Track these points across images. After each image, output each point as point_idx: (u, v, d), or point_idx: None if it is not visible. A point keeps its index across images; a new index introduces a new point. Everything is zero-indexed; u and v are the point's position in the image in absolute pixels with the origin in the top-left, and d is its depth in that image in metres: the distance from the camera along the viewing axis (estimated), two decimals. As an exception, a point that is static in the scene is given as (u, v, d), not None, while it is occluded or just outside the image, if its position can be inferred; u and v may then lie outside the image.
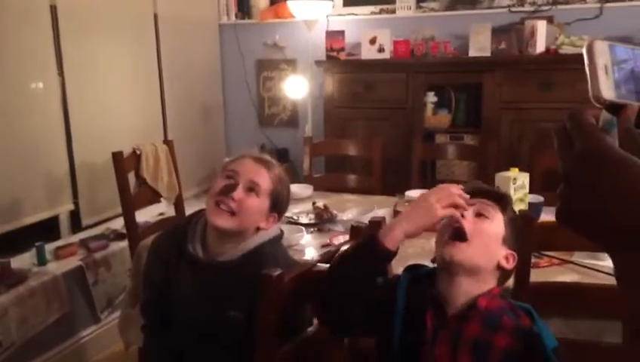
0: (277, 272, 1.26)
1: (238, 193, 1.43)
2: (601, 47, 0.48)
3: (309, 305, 1.43)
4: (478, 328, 1.12)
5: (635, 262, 0.45)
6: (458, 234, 1.18)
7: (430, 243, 2.01)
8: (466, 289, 1.17)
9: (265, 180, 1.47)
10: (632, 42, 0.53)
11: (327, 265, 1.27)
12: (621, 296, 0.46)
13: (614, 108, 0.48)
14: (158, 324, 1.55)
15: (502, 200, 1.24)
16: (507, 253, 1.21)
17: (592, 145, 0.46)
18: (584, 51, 0.49)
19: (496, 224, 1.21)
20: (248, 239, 1.48)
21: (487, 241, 1.19)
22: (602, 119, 0.48)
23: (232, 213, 1.42)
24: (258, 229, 1.50)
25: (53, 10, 2.86)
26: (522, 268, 1.57)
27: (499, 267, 1.21)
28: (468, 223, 1.19)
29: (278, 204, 1.52)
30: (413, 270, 1.29)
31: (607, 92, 0.47)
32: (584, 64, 0.48)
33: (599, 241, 0.47)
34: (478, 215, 1.21)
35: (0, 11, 2.60)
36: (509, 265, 1.22)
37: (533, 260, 1.65)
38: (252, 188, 1.45)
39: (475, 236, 1.18)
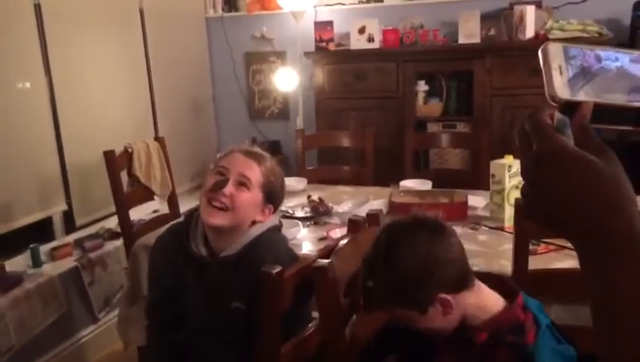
0: (276, 269, 1.25)
1: (229, 188, 1.44)
2: (556, 49, 0.50)
3: (310, 300, 1.43)
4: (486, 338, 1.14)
5: (590, 256, 0.47)
6: None
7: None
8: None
9: (255, 173, 1.48)
10: (589, 42, 0.55)
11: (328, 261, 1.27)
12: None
13: (570, 106, 0.49)
14: (164, 324, 1.55)
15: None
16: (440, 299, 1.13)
17: (546, 145, 0.48)
18: (539, 53, 0.50)
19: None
20: (246, 232, 1.49)
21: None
22: (556, 119, 0.50)
23: (225, 209, 1.43)
24: (254, 222, 1.50)
25: (38, 8, 2.81)
26: (520, 256, 1.58)
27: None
28: None
29: (272, 196, 1.52)
30: None
31: (562, 91, 0.49)
32: (540, 65, 0.50)
33: (562, 235, 0.50)
34: None
35: (-17, 11, 2.56)
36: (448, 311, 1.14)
37: (530, 247, 1.66)
38: (243, 183, 1.46)
39: None
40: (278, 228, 1.57)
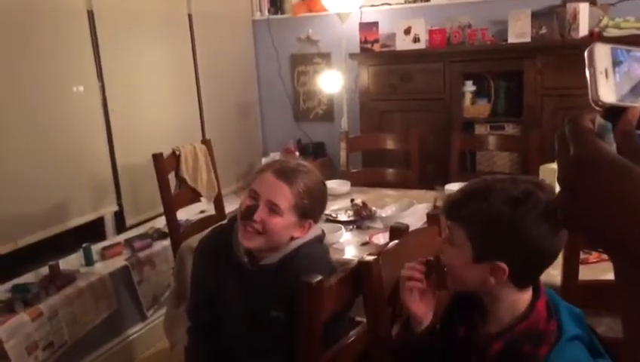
0: (316, 279, 1.25)
1: (259, 214, 1.43)
2: (602, 51, 0.48)
3: (350, 308, 1.42)
4: (501, 348, 1.11)
5: (625, 268, 0.45)
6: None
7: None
8: (495, 314, 1.14)
9: (285, 198, 1.44)
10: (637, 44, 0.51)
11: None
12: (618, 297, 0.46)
13: (614, 112, 0.47)
14: (205, 327, 1.57)
15: (456, 217, 1.12)
16: (491, 267, 1.08)
17: (585, 150, 0.46)
18: (585, 54, 0.48)
19: (458, 250, 1.12)
20: (287, 244, 1.49)
21: (457, 271, 1.14)
22: (597, 124, 0.47)
23: (259, 233, 1.44)
24: (293, 238, 1.49)
25: (90, 15, 2.91)
26: (571, 265, 1.52)
27: (490, 287, 1.11)
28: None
29: (309, 214, 1.49)
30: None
31: (607, 95, 0.46)
32: (585, 66, 0.48)
33: (597, 245, 0.48)
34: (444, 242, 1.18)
35: (40, 17, 2.66)
36: (501, 279, 1.09)
37: (582, 256, 1.60)
38: (273, 209, 1.44)
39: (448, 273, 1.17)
40: (320, 239, 1.56)
